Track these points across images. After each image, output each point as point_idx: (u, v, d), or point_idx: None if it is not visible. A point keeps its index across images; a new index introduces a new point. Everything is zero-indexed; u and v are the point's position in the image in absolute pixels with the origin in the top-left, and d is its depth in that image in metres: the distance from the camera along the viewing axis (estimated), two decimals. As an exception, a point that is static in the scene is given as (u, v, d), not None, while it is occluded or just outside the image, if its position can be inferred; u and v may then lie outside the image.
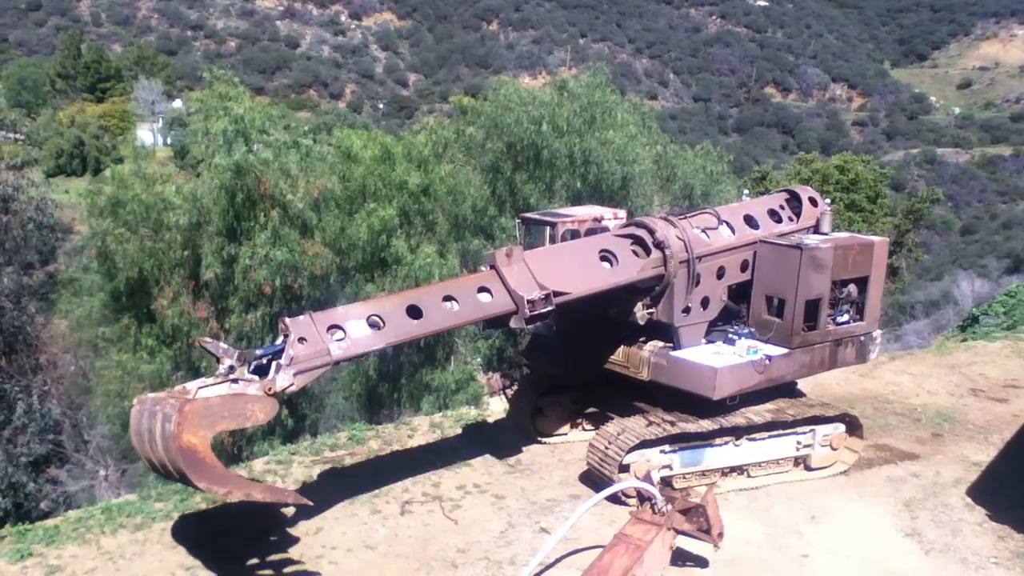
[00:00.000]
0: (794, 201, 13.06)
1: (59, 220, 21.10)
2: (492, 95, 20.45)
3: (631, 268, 11.55)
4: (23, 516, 16.28)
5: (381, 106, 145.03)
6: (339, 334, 9.45)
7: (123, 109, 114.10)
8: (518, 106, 19.34)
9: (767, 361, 11.41)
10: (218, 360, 8.90)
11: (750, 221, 12.30)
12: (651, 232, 11.65)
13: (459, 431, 13.85)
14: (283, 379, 8.79)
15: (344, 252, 17.22)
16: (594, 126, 19.28)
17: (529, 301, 10.66)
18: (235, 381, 8.65)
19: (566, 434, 13.60)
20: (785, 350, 11.62)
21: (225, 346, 8.93)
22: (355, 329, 9.53)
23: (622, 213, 13.27)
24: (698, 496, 9.67)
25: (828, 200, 13.23)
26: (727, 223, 12.13)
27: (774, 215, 12.73)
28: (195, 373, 16.96)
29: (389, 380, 18.34)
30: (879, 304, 12.62)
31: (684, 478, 11.59)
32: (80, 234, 19.00)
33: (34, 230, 19.69)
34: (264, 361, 9.08)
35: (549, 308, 10.82)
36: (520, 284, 10.77)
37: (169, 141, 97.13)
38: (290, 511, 11.00)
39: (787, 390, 12.46)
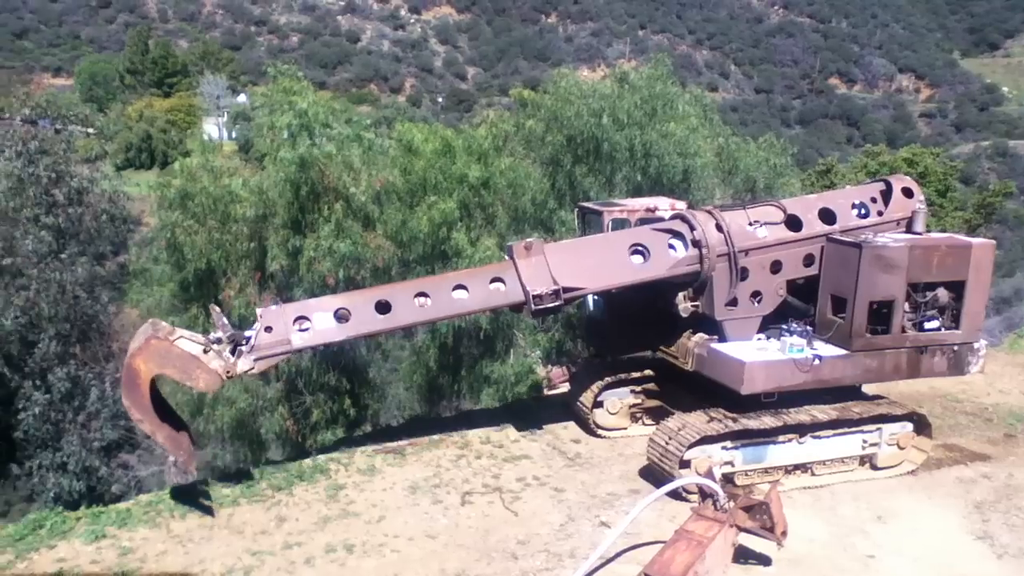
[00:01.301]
0: (888, 193, 12.59)
1: (130, 212, 21.66)
2: (552, 88, 20.34)
3: (661, 264, 11.50)
4: (96, 499, 16.75)
5: (440, 100, 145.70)
6: (305, 324, 10.38)
7: (189, 104, 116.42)
8: (578, 99, 19.18)
9: (816, 361, 11.17)
10: (214, 328, 10.12)
11: (826, 215, 11.99)
12: (690, 228, 11.55)
13: (519, 423, 13.90)
14: (243, 364, 10.05)
15: (405, 244, 17.30)
16: (655, 118, 19.04)
17: (535, 296, 10.96)
18: (207, 351, 9.82)
19: (626, 428, 13.61)
20: (843, 352, 11.36)
21: (225, 321, 10.06)
22: (321, 321, 10.44)
23: (681, 204, 13.19)
24: (761, 493, 9.57)
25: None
26: (794, 216, 11.89)
27: (860, 208, 12.35)
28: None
29: (449, 372, 18.43)
30: (981, 312, 11.94)
31: (746, 475, 11.50)
32: (150, 226, 19.45)
33: (107, 222, 20.23)
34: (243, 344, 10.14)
35: (557, 303, 11.07)
36: (532, 277, 10.99)
37: (234, 135, 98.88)
38: (353, 498, 11.18)
39: (855, 394, 12.20)
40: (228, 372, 9.86)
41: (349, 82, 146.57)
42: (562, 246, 12.10)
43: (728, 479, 11.13)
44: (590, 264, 11.50)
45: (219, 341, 9.95)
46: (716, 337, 11.95)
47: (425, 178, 17.48)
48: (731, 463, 11.34)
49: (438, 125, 22.52)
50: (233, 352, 10.10)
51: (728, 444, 11.25)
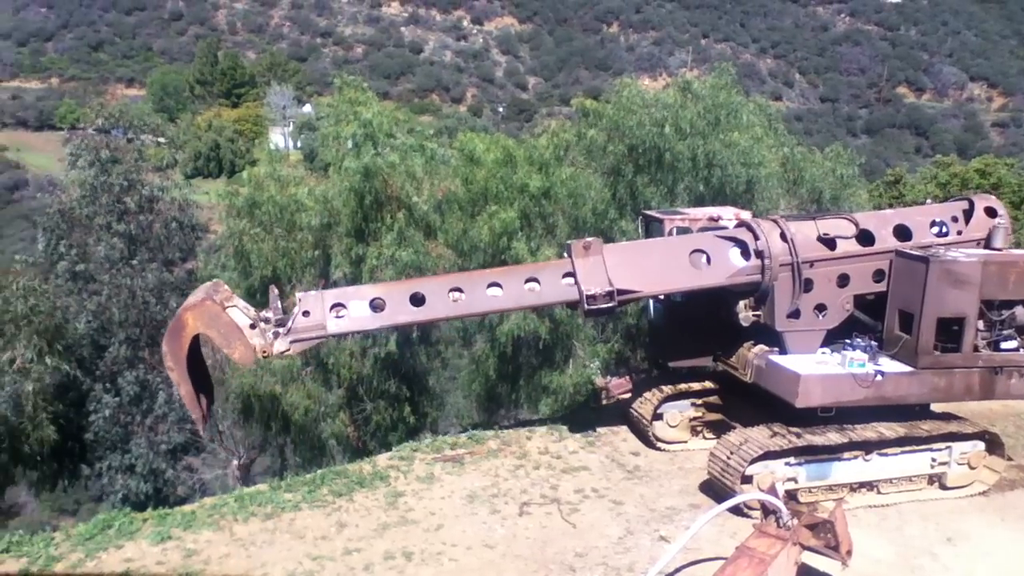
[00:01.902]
0: (970, 212, 12.19)
1: (198, 220, 22.20)
2: (614, 97, 20.28)
3: (721, 272, 11.36)
4: (161, 501, 17.19)
5: (501, 109, 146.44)
6: (341, 311, 10.55)
7: (256, 114, 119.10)
8: (640, 108, 19.09)
9: (877, 377, 10.88)
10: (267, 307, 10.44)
11: (901, 231, 11.71)
12: (753, 237, 11.38)
13: (577, 434, 13.84)
14: (280, 344, 10.25)
15: (466, 254, 17.43)
16: (718, 128, 18.84)
17: (589, 296, 10.93)
18: (254, 326, 10.10)
19: (686, 441, 13.44)
20: (909, 369, 11.06)
21: (278, 304, 10.40)
22: (357, 308, 10.60)
23: (746, 214, 13.01)
24: (826, 511, 9.36)
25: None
26: (867, 231, 11.62)
27: (940, 226, 11.99)
28: (324, 369, 17.52)
29: (508, 381, 18.48)
30: None
31: (810, 492, 11.27)
32: (217, 233, 19.90)
33: (176, 229, 20.77)
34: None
35: (610, 304, 10.99)
36: (588, 277, 10.94)
37: (299, 144, 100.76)
38: (412, 506, 11.25)
39: (923, 411, 11.86)
40: (264, 351, 10.15)
41: (411, 92, 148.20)
42: (621, 247, 12.05)
43: (791, 496, 10.91)
44: (648, 267, 11.42)
45: (267, 320, 10.24)
46: (777, 349, 11.77)
47: (486, 187, 17.58)
48: (794, 479, 11.12)
49: (499, 135, 22.63)
50: (276, 334, 10.39)
51: (791, 460, 11.03)
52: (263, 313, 10.32)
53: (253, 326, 10.11)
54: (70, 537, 10.55)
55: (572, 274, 11.20)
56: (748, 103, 20.94)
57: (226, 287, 10.40)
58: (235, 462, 20.45)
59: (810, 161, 21.38)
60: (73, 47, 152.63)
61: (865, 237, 11.57)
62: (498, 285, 11.06)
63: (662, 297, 13.20)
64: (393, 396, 18.68)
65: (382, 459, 13.01)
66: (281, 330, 10.27)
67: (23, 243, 52.94)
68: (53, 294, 18.00)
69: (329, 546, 10.22)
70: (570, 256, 11.27)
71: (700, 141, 18.28)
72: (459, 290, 10.91)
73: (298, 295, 10.58)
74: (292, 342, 10.35)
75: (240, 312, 10.13)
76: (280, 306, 10.42)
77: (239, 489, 12.84)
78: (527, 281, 11.19)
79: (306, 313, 10.38)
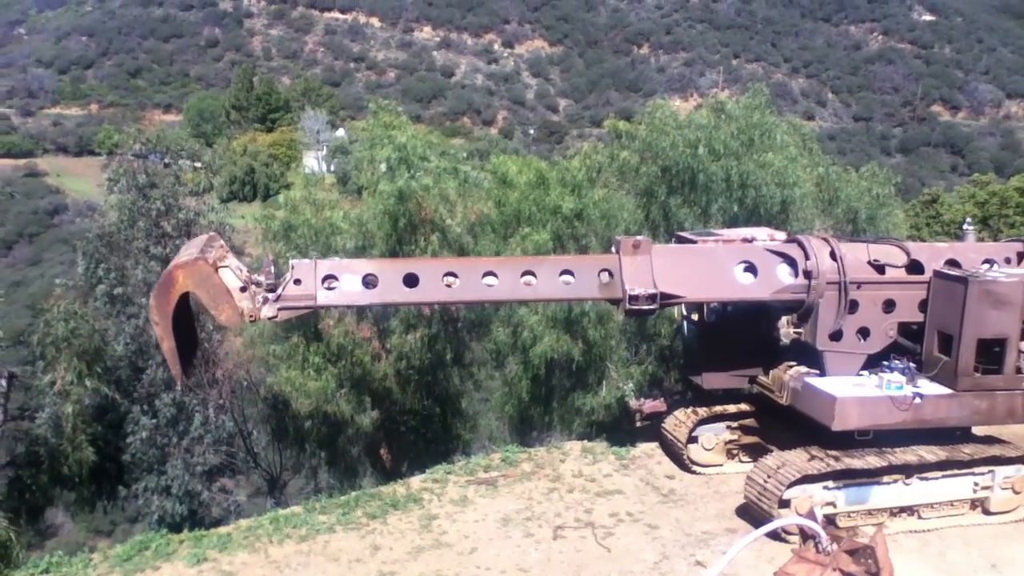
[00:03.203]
0: None
1: (234, 243, 22.44)
2: (647, 119, 20.28)
3: (767, 287, 11.25)
4: (196, 522, 17.30)
5: (532, 131, 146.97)
6: (333, 283, 10.38)
7: (291, 138, 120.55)
8: (673, 129, 19.06)
9: (916, 400, 10.71)
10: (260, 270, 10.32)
11: (953, 266, 11.54)
12: (804, 254, 11.29)
13: (611, 457, 13.77)
14: (267, 311, 10.13)
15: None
16: (752, 148, 18.76)
17: (632, 296, 10.76)
18: (244, 289, 9.99)
19: (722, 465, 13.30)
20: (948, 391, 10.87)
21: (271, 269, 10.20)
22: (348, 283, 10.42)
23: (780, 235, 12.91)
24: (866, 536, 9.20)
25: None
26: (917, 261, 11.45)
27: (991, 263, 11.72)
28: (358, 391, 17.59)
29: (541, 403, 18.42)
30: None
31: (849, 516, 11.09)
32: (252, 256, 20.09)
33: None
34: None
35: (652, 307, 10.88)
36: (634, 276, 10.82)
37: (332, 168, 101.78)
38: (445, 529, 11.24)
39: (965, 434, 11.64)
40: (252, 316, 10.07)
41: (443, 115, 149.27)
42: (670, 250, 11.94)
43: (829, 520, 10.74)
44: (694, 273, 11.30)
45: (259, 284, 10.11)
46: (814, 370, 11.64)
47: (519, 209, 17.63)
48: (832, 504, 10.95)
49: (532, 157, 22.73)
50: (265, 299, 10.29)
51: (830, 484, 10.87)
52: (255, 276, 10.19)
53: (244, 289, 9.99)
54: (108, 558, 10.68)
55: (609, 270, 11.02)
56: (782, 123, 20.83)
57: (221, 242, 10.28)
58: (269, 485, 20.57)
59: (845, 181, 21.18)
60: (112, 74, 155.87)
61: (915, 268, 11.42)
62: (531, 274, 10.85)
63: (695, 317, 13.12)
64: (426, 418, 18.71)
65: (415, 481, 13.03)
66: (271, 296, 10.13)
67: (62, 266, 53.93)
68: (92, 317, 18.25)
69: (364, 569, 10.23)
70: (617, 252, 11.11)
71: (734, 162, 18.19)
72: (454, 275, 10.69)
73: (291, 262, 10.44)
74: (280, 309, 10.22)
75: (232, 273, 9.98)
76: (273, 271, 10.27)
77: (274, 511, 12.91)
78: (562, 273, 10.97)
79: (297, 281, 10.24)
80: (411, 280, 10.52)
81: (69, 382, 16.86)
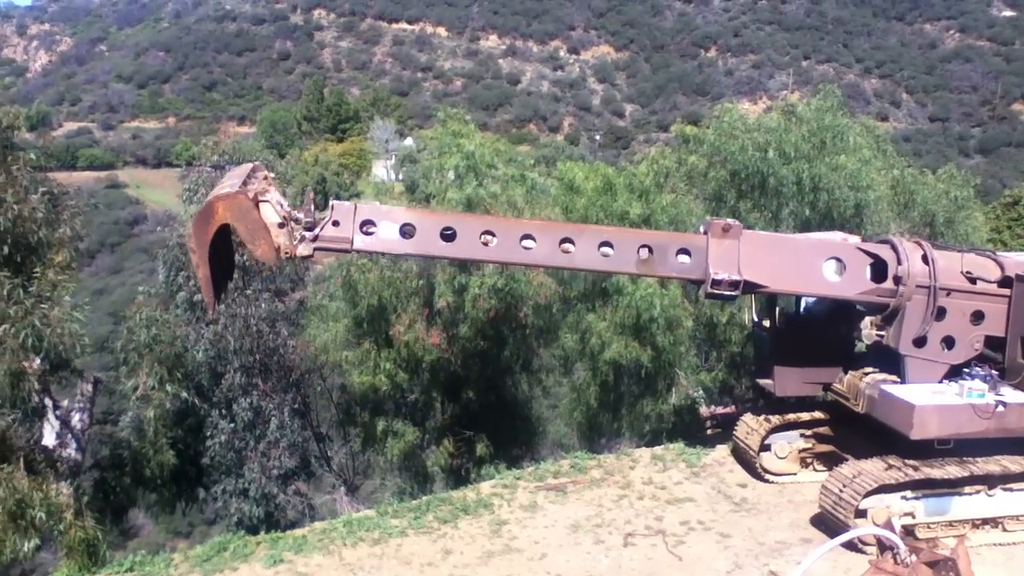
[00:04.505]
0: None
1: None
2: (715, 122, 20.11)
3: (853, 286, 11.00)
4: (272, 524, 17.67)
5: (598, 137, 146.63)
6: (371, 228, 10.20)
7: (360, 148, 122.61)
8: (743, 133, 18.86)
9: (999, 408, 10.37)
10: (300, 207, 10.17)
11: None
12: (896, 257, 11.02)
13: (682, 464, 13.64)
14: (303, 248, 9.99)
15: (566, 282, 17.49)
16: (824, 151, 18.43)
17: (715, 280, 10.56)
18: (282, 225, 9.84)
19: (795, 474, 13.07)
20: None
21: (312, 208, 10.06)
22: (386, 230, 10.26)
23: (855, 239, 12.65)
24: (947, 549, 8.96)
25: None
26: (1010, 278, 11.11)
27: None
28: (428, 396, 17.79)
29: (609, 410, 18.38)
30: None
31: (929, 528, 10.80)
32: (325, 264, 20.46)
33: (286, 261, 21.42)
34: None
35: (733, 293, 10.71)
36: (719, 260, 10.61)
37: (400, 177, 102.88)
38: (515, 534, 11.28)
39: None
40: (288, 252, 9.96)
41: (509, 123, 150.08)
42: (759, 236, 11.71)
43: (908, 531, 10.48)
44: (780, 263, 11.09)
45: (298, 221, 9.98)
46: (891, 377, 11.36)
47: (586, 216, 17.64)
48: (911, 514, 10.68)
49: (599, 163, 22.70)
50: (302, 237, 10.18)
51: (908, 494, 10.61)
52: (296, 213, 10.04)
53: (282, 225, 9.86)
54: (188, 558, 10.99)
55: (687, 251, 10.75)
56: (854, 125, 20.43)
57: (265, 173, 10.22)
58: (343, 487, 20.90)
59: (921, 183, 20.68)
60: (188, 88, 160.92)
61: (1007, 284, 11.10)
62: (608, 245, 10.56)
63: (767, 323, 12.94)
64: (495, 424, 18.81)
65: (485, 487, 13.10)
66: (308, 234, 10.02)
67: (143, 275, 55.69)
68: (173, 324, 18.78)
69: (435, 572, 10.34)
70: (706, 233, 10.84)
71: (805, 165, 17.91)
72: (492, 234, 10.45)
73: (332, 202, 10.29)
74: (316, 248, 10.14)
75: (271, 208, 9.86)
76: (313, 209, 10.13)
77: (347, 514, 13.12)
78: (640, 248, 10.68)
79: (336, 223, 10.09)
80: (448, 234, 10.34)
81: (151, 387, 17.35)
